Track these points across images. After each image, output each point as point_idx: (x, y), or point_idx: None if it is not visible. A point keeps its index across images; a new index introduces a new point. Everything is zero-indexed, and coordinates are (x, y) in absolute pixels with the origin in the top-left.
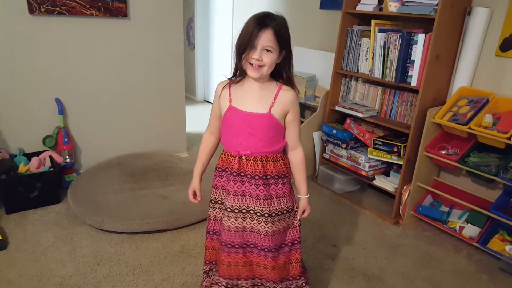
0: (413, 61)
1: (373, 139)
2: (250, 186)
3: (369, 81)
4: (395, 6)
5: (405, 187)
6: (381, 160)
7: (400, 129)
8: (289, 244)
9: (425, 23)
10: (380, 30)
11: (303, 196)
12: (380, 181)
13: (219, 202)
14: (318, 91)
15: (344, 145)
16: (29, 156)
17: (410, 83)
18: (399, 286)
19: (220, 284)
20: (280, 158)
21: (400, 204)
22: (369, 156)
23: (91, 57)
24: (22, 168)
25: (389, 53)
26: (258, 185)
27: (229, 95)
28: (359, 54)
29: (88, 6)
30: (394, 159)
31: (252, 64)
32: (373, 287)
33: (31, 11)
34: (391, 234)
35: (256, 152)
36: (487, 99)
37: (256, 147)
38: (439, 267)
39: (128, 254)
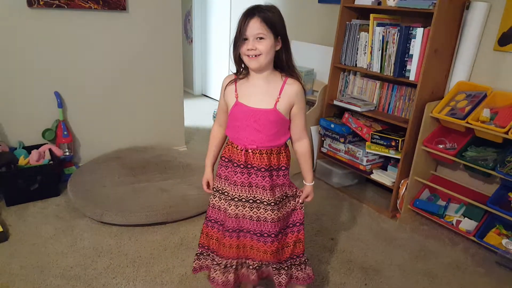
0: (412, 55)
1: (371, 133)
2: (257, 177)
3: (368, 75)
4: (394, 0)
5: (402, 181)
6: (378, 154)
7: (398, 123)
8: (291, 225)
9: (423, 17)
10: (379, 24)
11: (308, 184)
12: (378, 175)
13: (220, 191)
14: (317, 85)
15: (342, 139)
16: (28, 149)
17: (408, 77)
18: (396, 278)
19: (220, 265)
20: (283, 151)
21: (397, 198)
22: (367, 150)
23: (90, 50)
24: (22, 161)
25: (388, 47)
26: (264, 177)
27: (235, 91)
28: (358, 48)
29: None
30: (391, 153)
31: (249, 56)
32: (370, 279)
33: (30, 4)
34: (389, 228)
35: (261, 146)
36: (485, 93)
37: (262, 142)
38: (435, 261)
39: (128, 246)
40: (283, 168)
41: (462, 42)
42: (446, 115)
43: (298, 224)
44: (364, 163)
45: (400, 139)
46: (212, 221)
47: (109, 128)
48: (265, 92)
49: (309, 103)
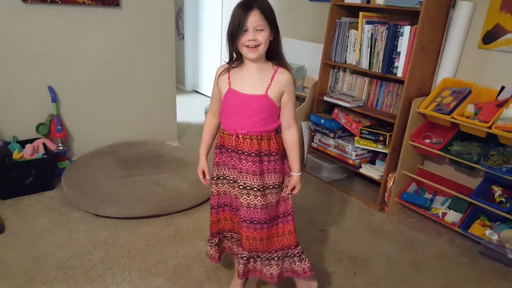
0: (399, 52)
1: (360, 129)
2: (247, 163)
3: (357, 72)
4: None
5: (390, 175)
6: (367, 149)
7: (386, 118)
8: (281, 216)
9: (411, 15)
10: (368, 22)
11: (295, 174)
12: (366, 169)
13: (221, 177)
14: (307, 81)
15: (331, 135)
16: (22, 144)
17: (396, 74)
18: (383, 267)
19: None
20: (273, 137)
21: (385, 191)
22: (356, 145)
23: (83, 45)
24: (16, 155)
25: (376, 44)
26: (255, 162)
27: (228, 78)
28: (347, 45)
29: None
30: (380, 148)
31: (248, 46)
32: (359, 268)
33: None
34: (377, 220)
35: (252, 131)
36: (470, 90)
37: (252, 127)
38: (422, 251)
39: (123, 238)
40: (273, 153)
41: (448, 40)
42: (432, 110)
43: (287, 214)
44: (353, 157)
45: (388, 134)
46: (222, 205)
47: (103, 123)
48: (257, 80)
49: (300, 99)
